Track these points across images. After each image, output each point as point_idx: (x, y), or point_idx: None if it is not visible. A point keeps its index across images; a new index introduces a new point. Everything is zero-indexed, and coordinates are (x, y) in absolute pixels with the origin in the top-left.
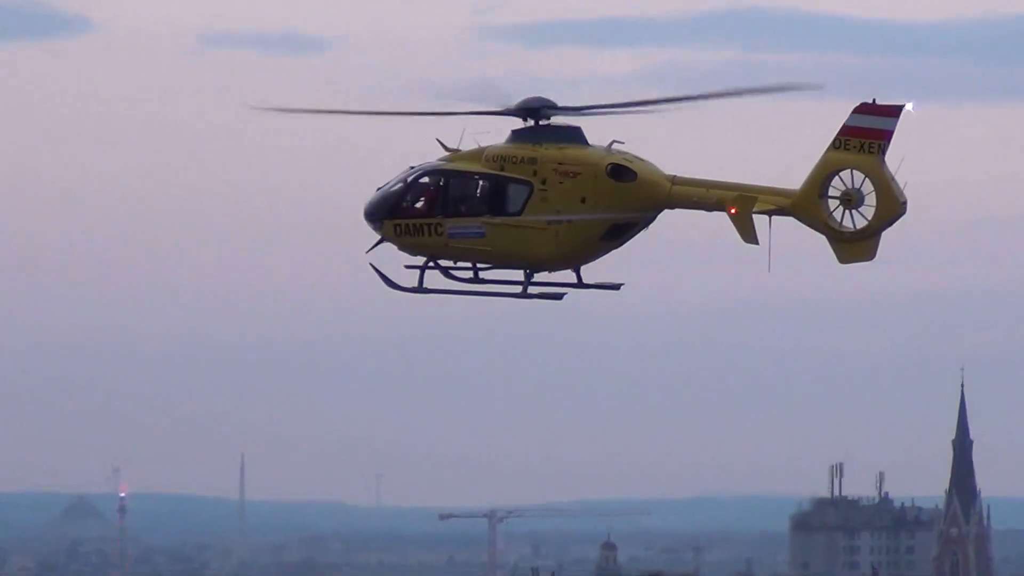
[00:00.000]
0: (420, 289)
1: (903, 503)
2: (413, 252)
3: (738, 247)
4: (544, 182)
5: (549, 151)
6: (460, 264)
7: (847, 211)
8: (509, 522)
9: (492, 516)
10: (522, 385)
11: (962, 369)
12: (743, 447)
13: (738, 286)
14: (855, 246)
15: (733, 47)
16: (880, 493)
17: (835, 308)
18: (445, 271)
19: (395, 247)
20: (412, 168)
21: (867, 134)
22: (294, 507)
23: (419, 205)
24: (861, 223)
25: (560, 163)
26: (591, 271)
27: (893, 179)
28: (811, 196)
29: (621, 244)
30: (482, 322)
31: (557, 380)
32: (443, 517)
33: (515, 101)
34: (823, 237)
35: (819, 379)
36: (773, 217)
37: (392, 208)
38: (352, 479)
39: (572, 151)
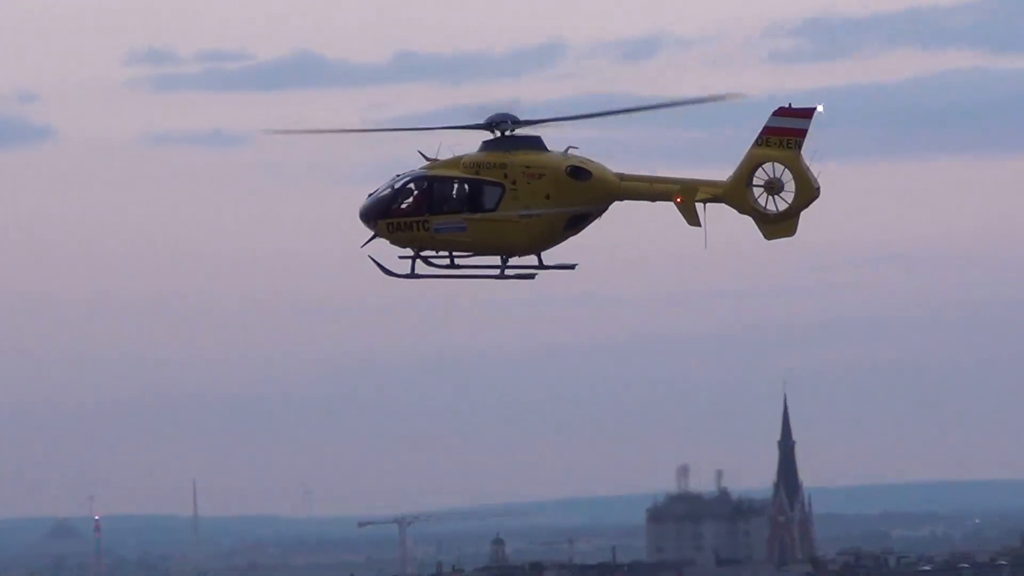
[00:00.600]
0: (413, 275)
1: (739, 496)
2: (403, 246)
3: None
4: (514, 183)
5: (517, 157)
6: (440, 253)
7: (770, 197)
8: (416, 525)
9: (402, 521)
10: (424, 405)
11: (784, 383)
12: (606, 452)
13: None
14: (778, 226)
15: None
16: (719, 488)
17: (678, 341)
18: (426, 260)
19: (387, 242)
20: (398, 176)
21: (785, 132)
22: (239, 520)
23: (406, 206)
24: (783, 206)
25: (527, 167)
26: (549, 256)
27: (808, 169)
28: (739, 186)
29: (579, 232)
30: (382, 344)
31: (454, 399)
32: (361, 524)
33: (483, 118)
34: (750, 219)
35: (666, 395)
36: (707, 204)
37: (384, 210)
38: (285, 494)
39: (536, 156)
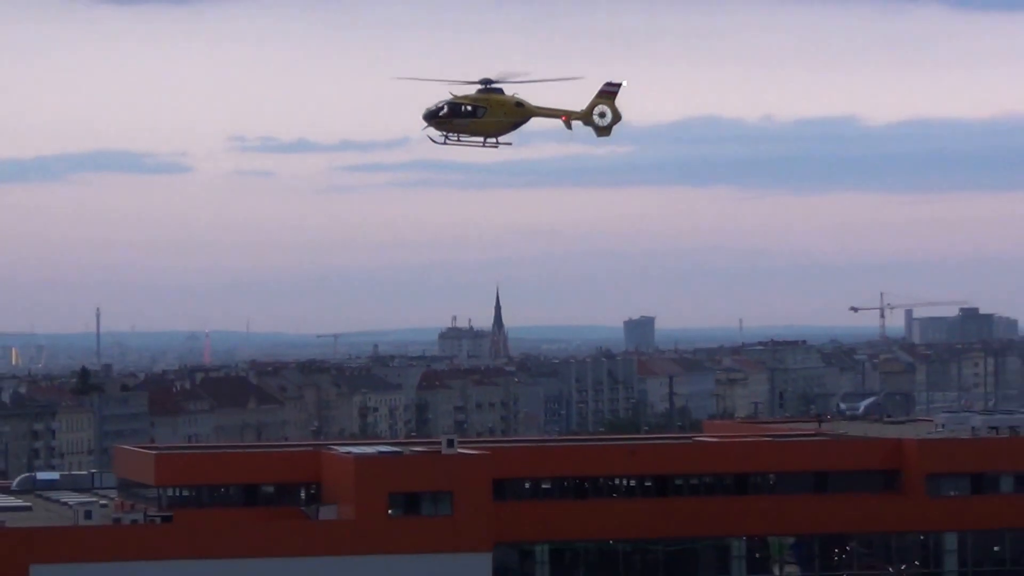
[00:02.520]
0: (447, 144)
1: None
2: (441, 130)
3: None
4: (490, 106)
5: (493, 96)
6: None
7: (602, 119)
8: None
9: None
10: None
11: None
12: None
13: None
14: (603, 132)
15: None
16: None
17: None
18: (448, 138)
19: (434, 129)
20: (440, 100)
21: (609, 92)
22: None
23: (443, 114)
24: (606, 124)
25: (499, 101)
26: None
27: (618, 109)
28: (588, 113)
29: (516, 129)
30: None
31: None
32: None
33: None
34: (590, 129)
35: None
36: (573, 121)
37: (433, 114)
38: None
39: (500, 96)
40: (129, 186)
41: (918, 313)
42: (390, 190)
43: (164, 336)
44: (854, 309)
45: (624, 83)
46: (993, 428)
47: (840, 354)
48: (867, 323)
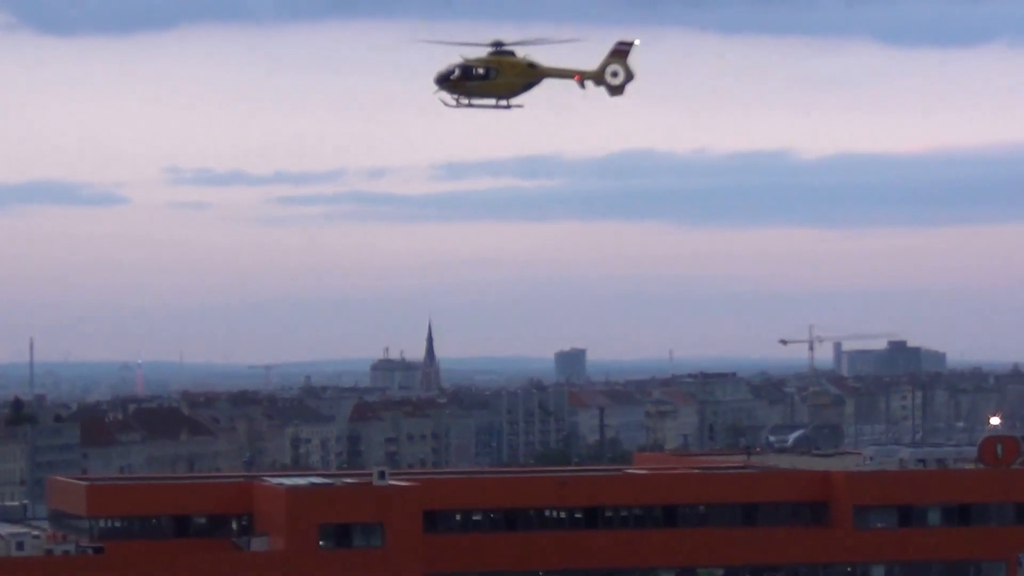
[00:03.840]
0: (459, 105)
1: None
2: (453, 93)
3: None
4: (501, 68)
5: (504, 58)
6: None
7: (614, 77)
8: None
9: None
10: None
11: None
12: None
13: None
14: (616, 91)
15: None
16: None
17: None
18: (459, 101)
19: (446, 92)
20: (453, 63)
21: (621, 51)
22: None
23: (454, 76)
24: (619, 82)
25: (510, 63)
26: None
27: (630, 68)
28: (600, 72)
29: (528, 91)
30: None
31: None
32: None
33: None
34: (603, 89)
35: None
36: (586, 80)
37: (445, 77)
38: None
39: (511, 58)
40: (64, 217)
41: (847, 346)
42: (324, 222)
43: (98, 366)
44: (783, 342)
45: (636, 42)
46: (921, 461)
47: (769, 386)
48: (796, 356)
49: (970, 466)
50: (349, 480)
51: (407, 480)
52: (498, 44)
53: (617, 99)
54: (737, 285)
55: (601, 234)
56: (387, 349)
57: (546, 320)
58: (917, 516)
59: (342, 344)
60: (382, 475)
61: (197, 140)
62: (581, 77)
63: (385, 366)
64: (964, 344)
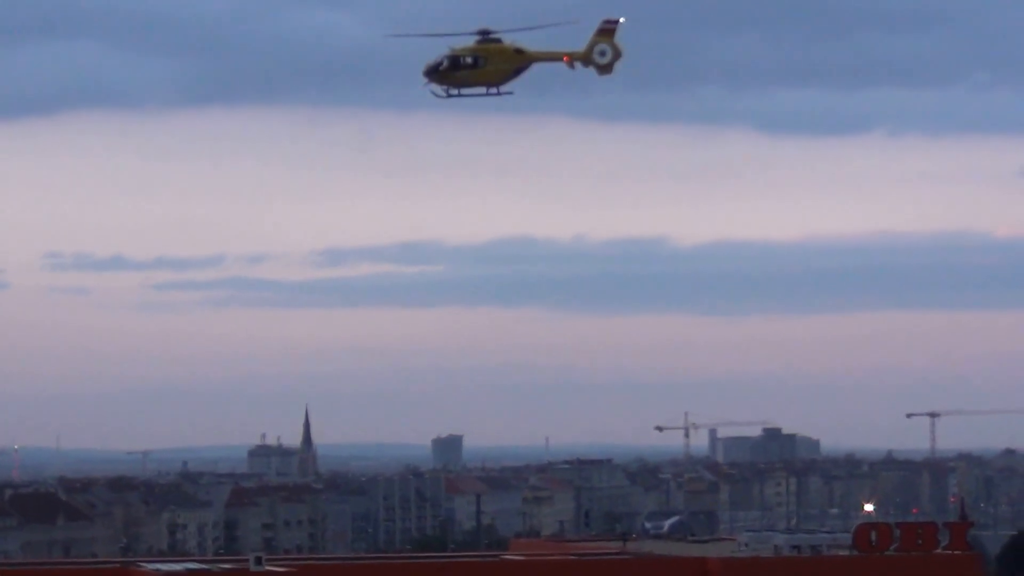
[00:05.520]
0: (448, 96)
1: None
2: (442, 84)
3: None
4: (490, 55)
5: (491, 46)
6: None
7: (602, 56)
8: None
9: None
10: None
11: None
12: None
13: None
14: (605, 70)
15: None
16: None
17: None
18: (448, 92)
19: (436, 84)
20: (441, 54)
21: (607, 29)
22: None
23: (443, 67)
24: (607, 61)
25: (498, 50)
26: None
27: (618, 46)
28: (589, 52)
29: (517, 77)
30: None
31: None
32: None
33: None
34: (592, 69)
35: None
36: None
37: (435, 68)
38: None
39: (499, 45)
40: None
41: (722, 433)
42: (203, 308)
43: None
44: (659, 428)
45: (622, 19)
46: (795, 547)
47: (645, 473)
48: (672, 442)
49: (844, 553)
50: (225, 565)
51: (284, 566)
52: (484, 32)
53: (496, 189)
54: (613, 372)
55: (480, 320)
56: (264, 435)
57: (424, 406)
58: None
59: (219, 430)
60: (259, 561)
61: (78, 225)
62: (570, 59)
63: (262, 452)
64: (838, 431)
